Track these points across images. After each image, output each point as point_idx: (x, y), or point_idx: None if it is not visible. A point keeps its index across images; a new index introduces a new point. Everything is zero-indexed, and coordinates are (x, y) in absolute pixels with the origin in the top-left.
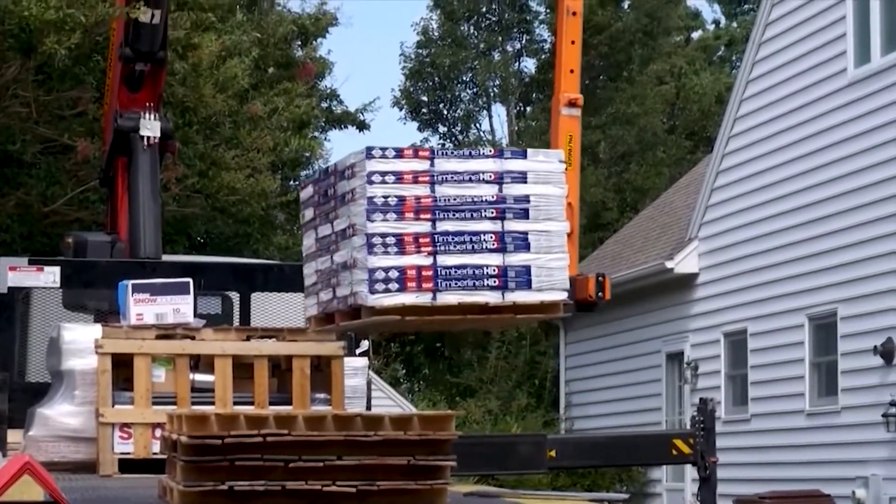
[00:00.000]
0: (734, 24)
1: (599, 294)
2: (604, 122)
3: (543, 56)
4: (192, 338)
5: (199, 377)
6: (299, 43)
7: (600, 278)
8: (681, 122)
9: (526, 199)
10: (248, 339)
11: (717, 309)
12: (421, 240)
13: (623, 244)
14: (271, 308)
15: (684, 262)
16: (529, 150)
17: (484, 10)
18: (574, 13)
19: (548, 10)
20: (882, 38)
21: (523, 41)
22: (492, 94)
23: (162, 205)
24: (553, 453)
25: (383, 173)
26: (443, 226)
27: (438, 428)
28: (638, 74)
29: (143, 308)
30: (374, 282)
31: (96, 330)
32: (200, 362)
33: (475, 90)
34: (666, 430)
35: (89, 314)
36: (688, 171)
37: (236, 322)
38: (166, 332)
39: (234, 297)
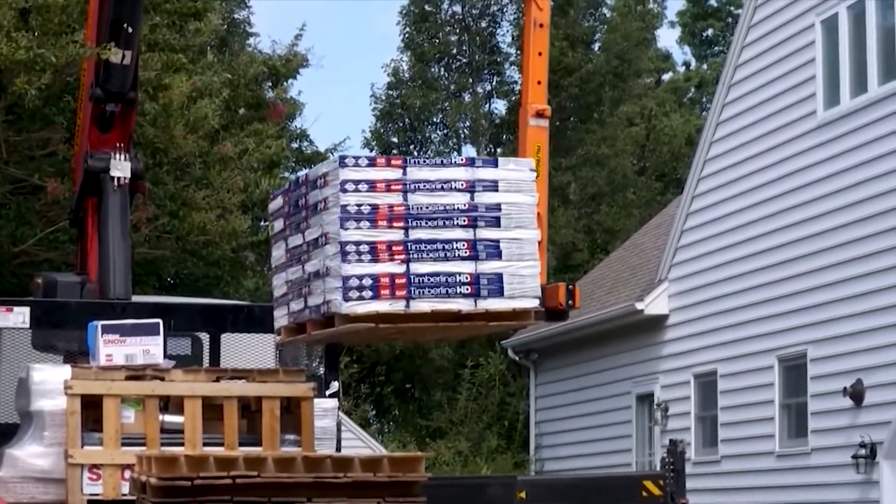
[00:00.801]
0: (704, 66)
1: (570, 302)
2: (574, 163)
3: (514, 97)
4: (162, 379)
5: (169, 418)
6: (270, 84)
7: (570, 286)
8: (651, 164)
9: (497, 207)
10: (217, 380)
11: (687, 350)
12: (394, 248)
13: (593, 285)
14: (241, 349)
15: (654, 304)
16: (500, 159)
17: (454, 51)
18: (541, 25)
19: (518, 52)
20: (851, 80)
21: (493, 83)
22: (462, 136)
23: (132, 245)
24: (523, 495)
25: (356, 182)
26: (415, 234)
27: (408, 470)
28: (608, 116)
29: (112, 349)
30: (348, 289)
31: (66, 371)
32: (170, 403)
33: (445, 131)
34: (636, 472)
35: (59, 355)
36: (658, 212)
37: (206, 363)
38: (136, 373)
39: (204, 338)
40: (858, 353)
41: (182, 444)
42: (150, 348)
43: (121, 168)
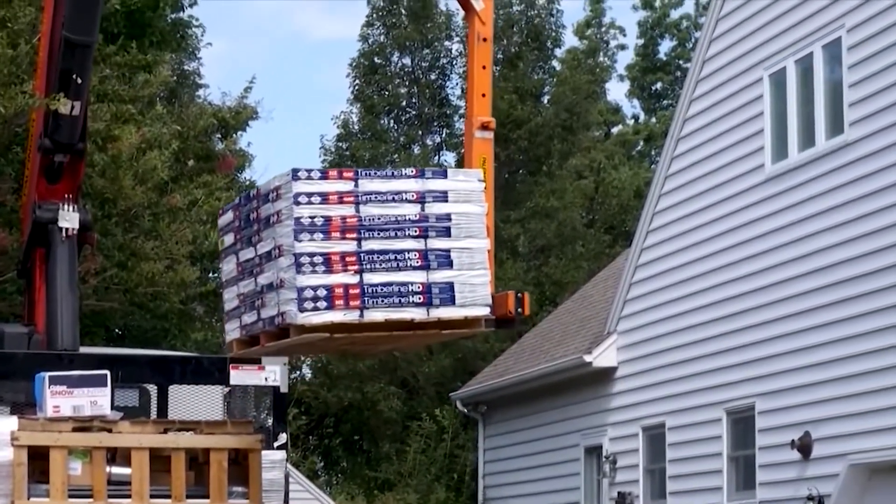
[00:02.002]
0: (653, 120)
1: (519, 310)
2: (523, 215)
3: (463, 150)
4: (110, 430)
5: (116, 470)
6: (219, 135)
7: (519, 294)
8: (600, 217)
9: (447, 217)
10: (165, 431)
11: (635, 403)
12: (347, 258)
13: (542, 338)
14: (189, 400)
15: (603, 356)
16: (450, 170)
17: (404, 104)
18: (484, 39)
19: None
20: (799, 134)
21: (443, 135)
22: None
23: (80, 297)
24: None
25: (309, 194)
26: (368, 245)
27: None
28: (557, 169)
29: (59, 400)
30: (304, 300)
31: (12, 422)
32: (117, 455)
33: None
34: None
35: (5, 406)
36: (607, 265)
37: (154, 415)
38: (83, 424)
39: (152, 389)
40: (806, 406)
41: (129, 497)
42: (97, 400)
43: (69, 219)
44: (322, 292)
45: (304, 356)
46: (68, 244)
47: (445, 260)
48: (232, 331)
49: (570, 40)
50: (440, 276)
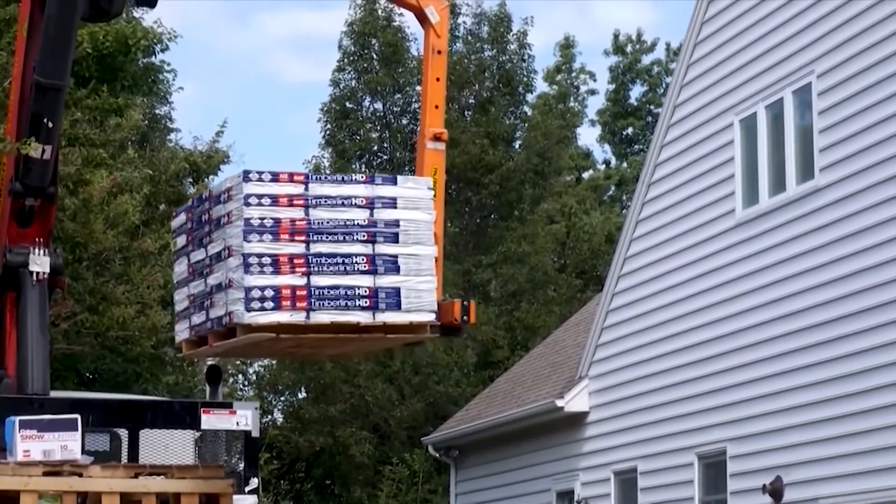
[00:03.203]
0: (624, 165)
1: (465, 318)
2: (495, 260)
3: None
4: (80, 475)
5: None
6: (191, 179)
7: (465, 302)
8: (571, 261)
9: (396, 223)
10: (136, 476)
11: (607, 447)
12: (295, 260)
13: (514, 382)
14: (160, 445)
15: (574, 401)
16: (399, 177)
17: (375, 148)
18: (439, 51)
19: None
20: (770, 179)
21: None
22: None
23: (51, 341)
24: None
25: (259, 196)
26: (316, 248)
27: None
28: (529, 213)
29: (30, 444)
30: (251, 300)
31: None
32: (88, 499)
33: None
34: None
35: None
36: (578, 309)
37: (125, 459)
38: (54, 468)
39: (123, 433)
40: (777, 451)
41: None
42: (68, 444)
43: (40, 263)
44: (269, 293)
45: (252, 358)
46: (39, 288)
47: (393, 265)
48: (181, 331)
49: (541, 86)
50: (387, 280)
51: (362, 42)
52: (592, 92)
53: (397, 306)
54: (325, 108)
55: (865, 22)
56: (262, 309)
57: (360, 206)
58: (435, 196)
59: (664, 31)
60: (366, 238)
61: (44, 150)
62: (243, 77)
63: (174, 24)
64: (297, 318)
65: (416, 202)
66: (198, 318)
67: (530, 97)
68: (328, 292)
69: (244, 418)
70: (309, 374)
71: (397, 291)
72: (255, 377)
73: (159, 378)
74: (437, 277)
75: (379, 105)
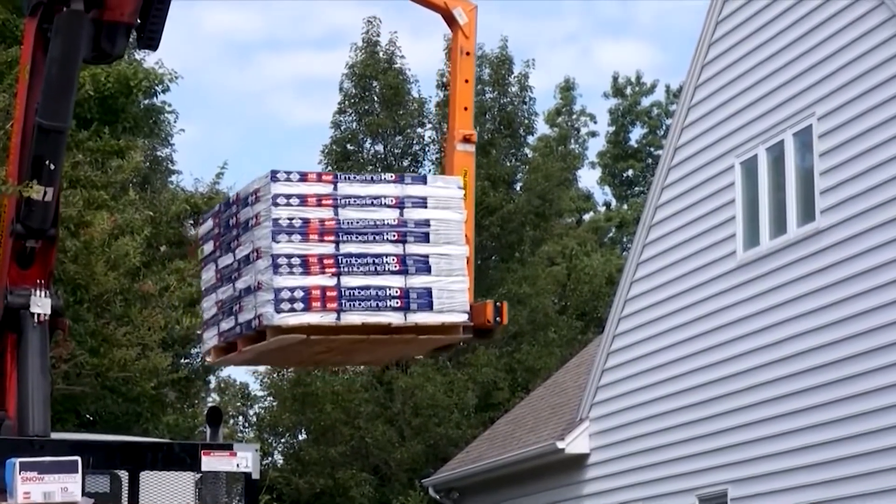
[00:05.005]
0: (625, 206)
1: (497, 319)
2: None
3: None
4: None
5: None
6: (192, 221)
7: (498, 304)
8: (572, 303)
9: (426, 223)
10: None
11: (607, 489)
12: (325, 261)
13: (514, 424)
14: (161, 487)
15: (575, 443)
16: (429, 177)
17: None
18: (467, 53)
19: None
20: (770, 221)
21: None
22: None
23: (51, 382)
24: None
25: (288, 196)
26: (346, 248)
27: None
28: (529, 255)
29: (30, 486)
30: (280, 301)
31: None
32: None
33: None
34: None
35: None
36: (579, 351)
37: (125, 501)
38: None
39: (124, 475)
40: (778, 493)
41: None
42: (68, 486)
43: (41, 305)
44: (299, 293)
45: (281, 366)
46: (40, 330)
47: (424, 265)
48: (210, 339)
49: (542, 128)
50: (418, 281)
51: (363, 84)
52: (593, 134)
53: (429, 307)
54: (326, 150)
55: (866, 65)
56: (292, 310)
57: (389, 206)
58: (465, 196)
59: (663, 73)
60: (396, 238)
61: (45, 192)
62: (244, 118)
63: (176, 66)
64: (328, 319)
65: (447, 202)
66: (226, 324)
67: (531, 139)
68: (359, 293)
69: (244, 460)
70: (309, 416)
71: (429, 292)
72: (255, 419)
73: (160, 418)
74: (469, 278)
75: (380, 147)
